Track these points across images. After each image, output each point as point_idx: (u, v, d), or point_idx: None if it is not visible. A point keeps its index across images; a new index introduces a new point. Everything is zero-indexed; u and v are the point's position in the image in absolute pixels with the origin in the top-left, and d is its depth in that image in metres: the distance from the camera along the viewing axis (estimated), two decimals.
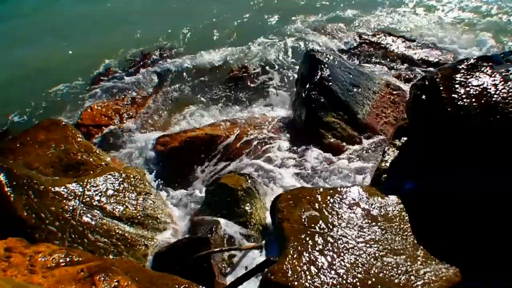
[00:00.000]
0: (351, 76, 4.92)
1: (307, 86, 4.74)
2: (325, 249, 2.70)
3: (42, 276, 2.38)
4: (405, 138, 3.78)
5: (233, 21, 8.49)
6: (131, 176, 3.74)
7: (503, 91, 2.97)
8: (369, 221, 2.94)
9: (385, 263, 2.62)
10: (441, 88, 3.17)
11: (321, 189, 3.24)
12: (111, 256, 3.10)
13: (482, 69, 3.21)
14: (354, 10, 8.46)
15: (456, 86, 3.14)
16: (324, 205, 3.05)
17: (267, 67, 6.73)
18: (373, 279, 2.50)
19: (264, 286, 2.56)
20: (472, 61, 3.31)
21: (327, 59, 4.90)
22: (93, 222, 3.20)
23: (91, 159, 3.91)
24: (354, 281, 2.49)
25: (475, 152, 2.95)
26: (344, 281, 2.49)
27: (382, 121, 4.76)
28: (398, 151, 3.71)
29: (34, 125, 4.41)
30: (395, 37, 7.18)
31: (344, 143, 4.46)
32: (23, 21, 9.47)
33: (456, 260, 2.63)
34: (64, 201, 3.19)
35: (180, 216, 3.99)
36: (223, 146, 4.62)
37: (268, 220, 3.60)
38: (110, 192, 3.49)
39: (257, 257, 3.27)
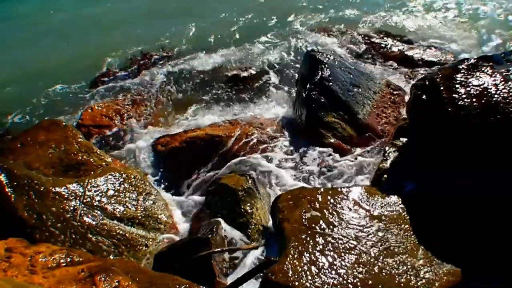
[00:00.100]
0: (351, 76, 4.92)
1: (308, 86, 4.74)
2: (326, 249, 2.70)
3: (43, 277, 2.38)
4: (406, 138, 3.78)
5: (233, 21, 8.49)
6: (132, 176, 3.75)
7: (503, 91, 2.98)
8: (370, 221, 2.94)
9: (386, 263, 2.62)
10: (442, 88, 3.18)
11: (322, 189, 3.24)
12: (111, 257, 3.10)
13: (483, 69, 3.21)
14: (354, 10, 8.46)
15: (457, 86, 3.14)
16: (324, 205, 3.05)
17: (267, 67, 6.73)
18: (374, 279, 2.50)
19: (265, 286, 2.57)
20: (472, 61, 3.31)
21: (327, 59, 4.90)
22: (93, 223, 3.20)
23: (91, 160, 3.91)
24: (355, 281, 2.49)
25: (475, 152, 2.95)
26: (344, 281, 2.49)
27: (383, 121, 4.76)
28: (398, 151, 3.72)
29: (34, 125, 4.41)
30: (395, 37, 7.18)
31: (344, 143, 4.47)
32: (23, 21, 9.47)
33: (456, 260, 2.63)
34: (65, 201, 3.19)
35: (181, 217, 4.00)
36: (224, 146, 4.61)
37: (269, 220, 3.60)
38: (110, 192, 3.50)
39: (257, 257, 3.27)
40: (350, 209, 3.04)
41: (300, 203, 3.08)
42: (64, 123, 4.23)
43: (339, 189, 3.24)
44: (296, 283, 2.45)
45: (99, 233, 3.18)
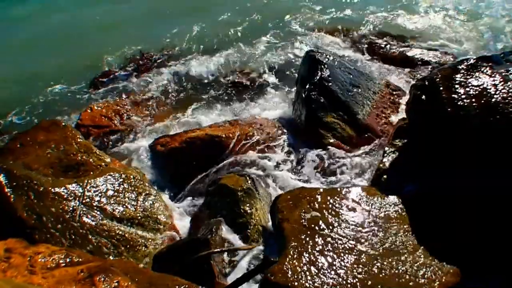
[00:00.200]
0: (351, 76, 4.92)
1: (307, 86, 4.74)
2: (325, 249, 2.70)
3: (42, 277, 2.38)
4: (405, 139, 3.78)
5: (233, 21, 8.49)
6: (131, 176, 3.74)
7: (503, 91, 2.98)
8: (369, 221, 2.94)
9: (385, 263, 2.62)
10: (441, 88, 3.18)
11: (321, 190, 3.24)
12: (111, 257, 3.10)
13: (482, 69, 3.21)
14: (354, 11, 8.45)
15: (456, 86, 3.15)
16: (324, 206, 3.05)
17: (267, 68, 6.73)
18: (373, 279, 2.50)
19: (264, 287, 2.57)
20: (472, 61, 3.32)
21: (327, 59, 4.90)
22: (93, 223, 3.20)
23: (91, 160, 3.91)
24: (354, 281, 2.49)
25: (474, 152, 2.96)
26: (344, 282, 2.49)
27: (382, 122, 4.76)
28: (398, 152, 3.72)
29: (34, 125, 4.40)
30: (395, 37, 7.18)
31: (344, 144, 4.47)
32: (23, 22, 9.46)
33: (456, 260, 2.63)
34: (64, 201, 3.19)
35: (180, 217, 3.99)
36: (224, 147, 4.61)
37: (268, 220, 3.60)
38: (110, 192, 3.49)
39: (257, 257, 3.27)
40: (350, 209, 3.04)
41: (299, 203, 3.08)
42: (63, 123, 4.22)
43: (339, 189, 3.24)
44: (296, 284, 2.45)
45: (98, 233, 3.18)
